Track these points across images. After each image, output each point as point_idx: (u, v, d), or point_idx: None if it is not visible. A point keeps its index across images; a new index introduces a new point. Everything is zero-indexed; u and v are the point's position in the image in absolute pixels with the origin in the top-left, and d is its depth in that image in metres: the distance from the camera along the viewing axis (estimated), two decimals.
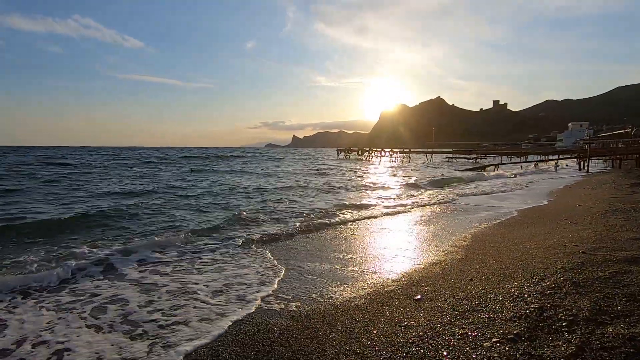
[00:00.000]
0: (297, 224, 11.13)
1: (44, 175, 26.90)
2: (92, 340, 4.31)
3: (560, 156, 50.72)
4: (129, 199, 16.32)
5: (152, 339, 4.32)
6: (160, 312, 5.15)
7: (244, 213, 12.64)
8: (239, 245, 8.78)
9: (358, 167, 47.51)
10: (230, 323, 4.72)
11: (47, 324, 4.83)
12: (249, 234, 9.77)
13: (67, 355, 4.07)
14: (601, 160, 50.31)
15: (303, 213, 13.22)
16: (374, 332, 4.37)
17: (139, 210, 13.16)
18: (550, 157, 54.67)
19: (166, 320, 4.87)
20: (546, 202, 15.58)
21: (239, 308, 5.22)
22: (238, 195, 18.41)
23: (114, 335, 4.45)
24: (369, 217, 12.84)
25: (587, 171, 34.01)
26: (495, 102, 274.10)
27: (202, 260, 7.65)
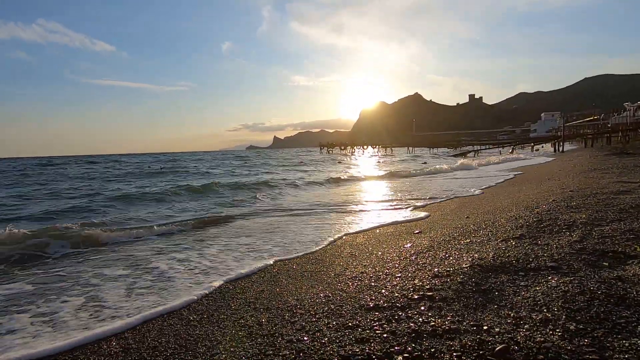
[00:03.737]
0: None
1: None
2: None
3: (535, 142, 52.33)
4: None
5: None
6: None
7: None
8: None
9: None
10: None
11: None
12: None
13: None
14: (573, 145, 52.16)
15: None
16: (379, 254, 4.37)
17: None
18: (526, 144, 56.20)
19: None
20: (527, 172, 16.05)
21: None
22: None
23: None
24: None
25: (562, 151, 35.35)
26: (471, 96, 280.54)
27: None
